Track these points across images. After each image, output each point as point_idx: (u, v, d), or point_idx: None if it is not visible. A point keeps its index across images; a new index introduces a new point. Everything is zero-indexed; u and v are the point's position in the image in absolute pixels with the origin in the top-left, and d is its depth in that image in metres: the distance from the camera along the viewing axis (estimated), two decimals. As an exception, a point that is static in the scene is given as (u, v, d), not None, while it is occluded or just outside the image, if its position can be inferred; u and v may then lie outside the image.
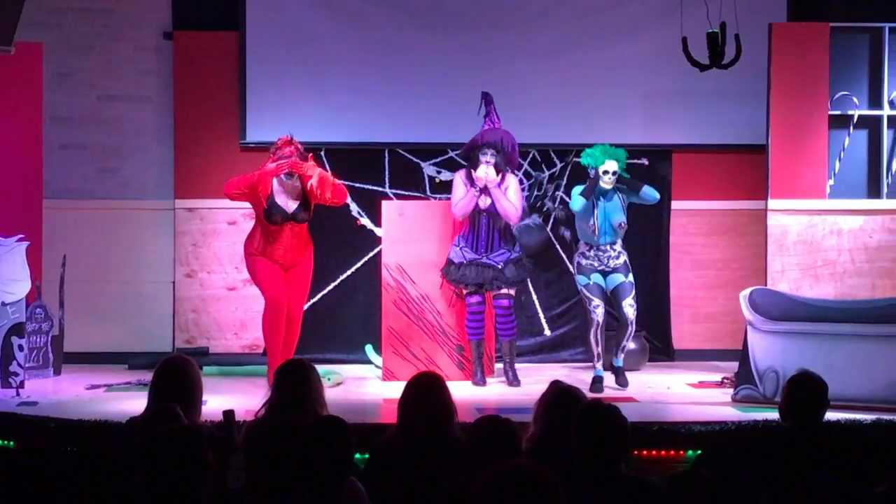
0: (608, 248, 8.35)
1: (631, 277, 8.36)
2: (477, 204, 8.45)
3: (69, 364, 8.98)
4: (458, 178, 8.60)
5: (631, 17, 9.73)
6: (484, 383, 8.45)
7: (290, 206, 8.24)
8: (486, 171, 8.37)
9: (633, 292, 8.34)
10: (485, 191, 8.42)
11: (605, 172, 8.26)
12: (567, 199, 9.34)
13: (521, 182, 8.94)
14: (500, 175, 8.44)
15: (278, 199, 8.23)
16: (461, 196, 8.48)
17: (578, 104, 9.68)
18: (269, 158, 8.23)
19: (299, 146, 8.25)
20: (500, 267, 8.42)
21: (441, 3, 9.76)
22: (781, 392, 5.17)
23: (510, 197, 8.41)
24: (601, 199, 8.31)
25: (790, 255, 8.98)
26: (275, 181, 8.22)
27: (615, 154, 8.31)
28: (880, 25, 9.13)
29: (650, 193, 8.35)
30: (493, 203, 8.41)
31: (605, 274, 8.36)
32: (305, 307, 9.62)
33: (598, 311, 8.26)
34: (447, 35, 9.71)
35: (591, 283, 8.32)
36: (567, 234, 9.60)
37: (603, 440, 4.24)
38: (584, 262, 8.39)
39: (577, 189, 8.35)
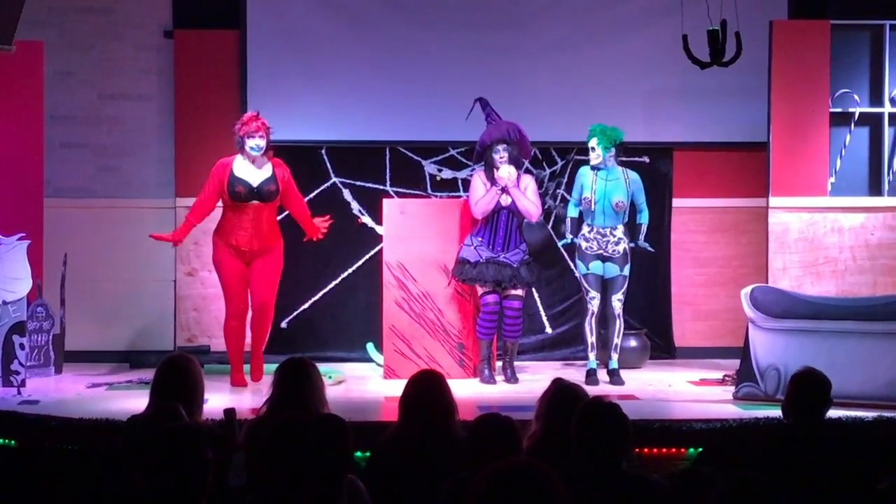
0: (608, 232, 8.40)
1: (626, 270, 8.43)
2: (498, 201, 8.46)
3: (70, 362, 8.98)
4: (477, 177, 8.60)
5: (632, 15, 9.73)
6: (493, 381, 8.44)
7: (255, 179, 8.17)
8: (508, 171, 8.39)
9: (625, 287, 8.41)
10: (506, 190, 8.43)
11: (593, 149, 8.35)
12: (567, 196, 9.34)
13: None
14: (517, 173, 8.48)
15: (240, 173, 8.16)
16: (482, 195, 8.48)
17: (579, 102, 9.67)
18: (238, 132, 8.20)
19: (265, 122, 8.24)
20: (516, 266, 8.44)
21: (442, 1, 9.76)
22: (785, 388, 5.16)
23: (529, 196, 8.45)
24: (603, 175, 8.36)
25: (791, 253, 8.98)
26: (238, 158, 8.21)
27: (597, 131, 8.40)
28: (881, 23, 9.13)
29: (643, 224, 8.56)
30: (513, 201, 8.43)
31: (603, 259, 8.39)
32: (306, 304, 9.64)
33: (594, 302, 8.38)
34: (448, 33, 9.71)
35: (590, 273, 8.39)
36: (567, 233, 9.60)
37: (604, 438, 4.23)
38: (584, 244, 8.44)
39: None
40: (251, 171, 8.19)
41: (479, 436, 4.44)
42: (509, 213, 8.50)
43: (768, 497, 3.43)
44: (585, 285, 8.42)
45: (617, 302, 8.41)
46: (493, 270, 8.43)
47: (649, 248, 8.61)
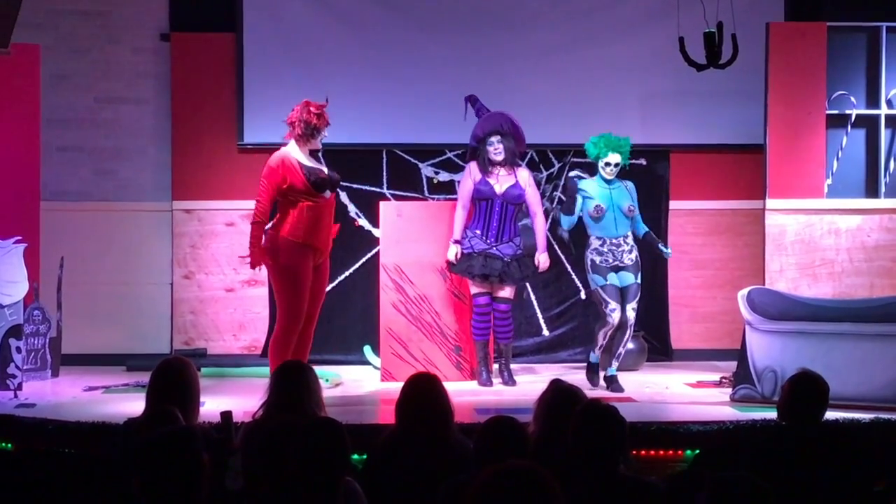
0: (621, 241, 8.32)
1: (639, 278, 8.33)
2: (493, 189, 8.43)
3: (67, 366, 8.98)
4: (468, 170, 8.56)
5: (628, 18, 9.74)
6: (491, 383, 8.43)
7: (324, 168, 7.69)
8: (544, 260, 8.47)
9: (639, 295, 8.32)
10: (507, 180, 8.42)
11: (608, 164, 8.29)
12: (563, 198, 9.33)
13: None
14: (512, 169, 8.44)
15: (310, 164, 7.62)
16: (464, 193, 8.50)
17: (576, 104, 9.68)
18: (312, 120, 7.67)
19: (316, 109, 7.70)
20: (507, 261, 8.40)
21: (438, 3, 9.76)
22: (780, 391, 5.16)
23: (531, 194, 8.46)
24: (605, 185, 8.33)
25: (788, 255, 8.98)
26: (295, 151, 7.62)
27: (618, 146, 8.32)
28: (877, 25, 9.14)
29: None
30: (508, 190, 8.39)
31: (616, 270, 8.30)
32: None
33: (615, 314, 8.17)
34: (445, 36, 9.71)
35: (608, 284, 8.22)
36: (565, 235, 9.58)
37: (601, 440, 4.23)
38: (598, 259, 8.30)
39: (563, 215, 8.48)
40: (314, 162, 7.71)
41: (487, 439, 4.41)
42: (503, 203, 8.47)
43: (757, 496, 3.43)
44: (605, 297, 8.18)
45: (631, 311, 8.22)
46: (481, 263, 8.39)
47: (666, 252, 8.51)
